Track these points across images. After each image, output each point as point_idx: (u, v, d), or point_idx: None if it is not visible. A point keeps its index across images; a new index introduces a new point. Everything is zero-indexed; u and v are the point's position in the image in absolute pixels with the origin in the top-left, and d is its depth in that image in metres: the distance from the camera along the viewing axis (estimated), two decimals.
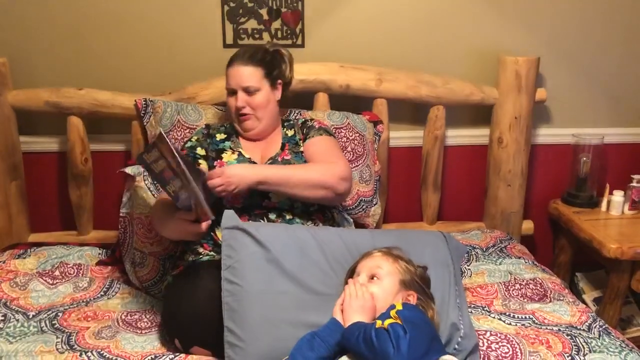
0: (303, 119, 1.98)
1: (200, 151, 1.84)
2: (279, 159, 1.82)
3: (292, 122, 1.97)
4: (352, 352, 1.24)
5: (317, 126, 1.93)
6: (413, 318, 1.25)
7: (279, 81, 1.89)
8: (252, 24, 2.25)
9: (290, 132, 1.92)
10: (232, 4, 2.22)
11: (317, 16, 2.28)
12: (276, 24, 2.26)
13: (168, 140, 1.45)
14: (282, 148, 1.86)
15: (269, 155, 1.84)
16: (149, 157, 1.52)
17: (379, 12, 2.30)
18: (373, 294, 1.36)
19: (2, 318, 1.65)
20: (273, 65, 1.87)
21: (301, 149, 1.87)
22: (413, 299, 1.37)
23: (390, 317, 1.25)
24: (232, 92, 1.85)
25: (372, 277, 1.40)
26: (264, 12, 2.24)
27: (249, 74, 1.81)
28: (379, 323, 1.24)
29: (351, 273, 1.48)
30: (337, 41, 2.30)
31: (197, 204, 1.54)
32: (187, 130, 2.02)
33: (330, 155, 1.82)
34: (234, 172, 1.62)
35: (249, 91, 1.82)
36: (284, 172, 1.69)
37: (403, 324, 1.21)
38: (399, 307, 1.29)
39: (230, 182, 1.60)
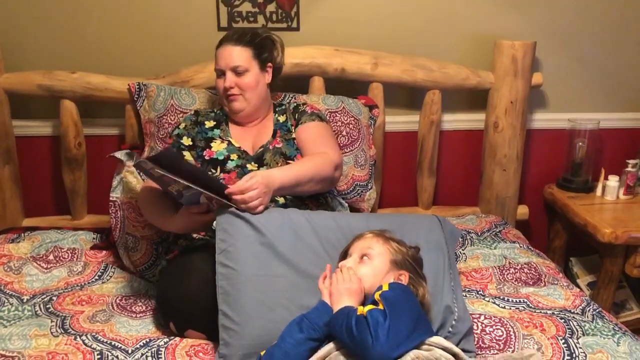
0: (295, 104, 1.96)
1: (185, 140, 1.83)
2: (270, 147, 1.81)
3: (284, 107, 1.95)
4: (339, 339, 1.24)
5: (309, 111, 1.91)
6: (396, 299, 1.24)
7: (269, 64, 1.87)
8: (246, 7, 2.23)
9: (282, 118, 1.90)
10: None
11: None
12: (271, 7, 2.24)
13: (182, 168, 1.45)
14: (274, 135, 1.85)
15: (261, 143, 1.83)
16: (147, 165, 1.46)
17: None
18: (363, 275, 1.36)
19: None
20: (263, 47, 1.85)
21: (293, 135, 1.85)
22: (405, 279, 1.37)
23: (374, 300, 1.25)
24: (221, 73, 1.83)
25: (362, 257, 1.40)
26: None
27: (238, 54, 1.80)
28: (360, 309, 1.23)
29: (344, 255, 1.48)
30: (333, 24, 2.29)
31: (210, 198, 1.51)
32: (180, 115, 2.01)
33: (321, 142, 1.81)
34: (268, 183, 1.52)
35: (237, 71, 1.80)
36: (293, 174, 1.62)
37: (384, 308, 1.20)
38: (385, 287, 1.29)
39: (266, 193, 1.52)
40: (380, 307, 1.22)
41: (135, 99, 2.08)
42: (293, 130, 1.87)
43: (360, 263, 1.40)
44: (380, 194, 2.39)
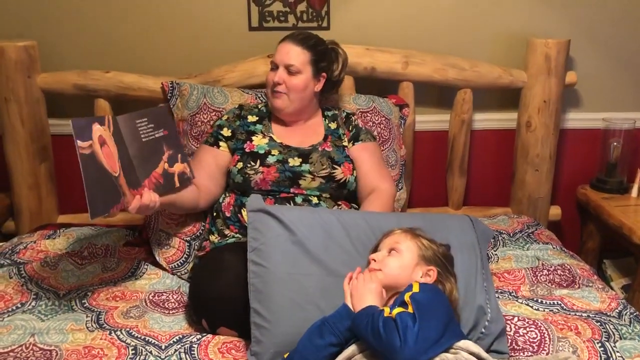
0: (345, 113, 1.99)
1: (225, 132, 1.85)
2: (320, 148, 1.83)
3: (334, 113, 1.97)
4: (362, 339, 1.23)
5: (362, 126, 1.96)
6: (427, 302, 1.23)
7: (323, 74, 1.88)
8: (277, 7, 2.24)
9: (333, 125, 1.93)
10: None
11: None
12: (301, 7, 2.25)
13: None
14: (325, 139, 1.88)
15: (310, 143, 1.85)
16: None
17: None
18: (391, 267, 1.36)
19: (34, 296, 1.68)
20: (323, 56, 1.87)
21: (344, 143, 1.89)
22: (433, 274, 1.36)
23: (404, 301, 1.24)
24: (274, 67, 1.85)
25: (391, 251, 1.40)
26: None
27: (296, 54, 1.82)
28: (387, 311, 1.22)
29: (373, 251, 1.48)
30: (363, 23, 2.28)
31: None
32: (213, 113, 2.02)
33: (380, 170, 1.91)
34: None
35: (290, 71, 1.82)
36: None
37: (414, 311, 1.19)
38: (416, 288, 1.27)
39: None
40: (410, 309, 1.20)
41: (169, 97, 2.11)
42: (345, 139, 1.90)
43: (389, 256, 1.40)
44: (410, 194, 2.37)
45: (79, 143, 1.41)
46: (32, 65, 2.11)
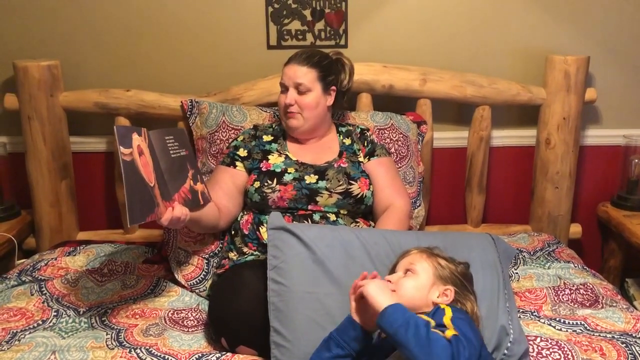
0: (360, 129, 2.00)
1: (242, 152, 1.87)
2: (335, 165, 1.84)
3: (348, 129, 1.98)
4: (393, 339, 1.17)
5: (377, 141, 1.97)
6: (466, 328, 1.22)
7: (333, 87, 1.89)
8: (295, 25, 2.26)
9: (347, 141, 1.94)
10: (276, 5, 2.23)
11: (360, 16, 2.27)
12: (319, 25, 2.27)
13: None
14: (340, 155, 1.88)
15: (325, 160, 1.86)
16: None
17: (423, 11, 2.28)
18: (407, 288, 1.33)
19: (55, 314, 1.69)
20: (329, 70, 1.87)
21: (359, 159, 1.90)
22: (450, 294, 1.34)
23: (443, 324, 1.23)
24: (284, 89, 1.86)
25: (407, 272, 1.39)
26: (307, 13, 2.25)
27: (303, 73, 1.82)
28: (432, 322, 1.21)
29: (391, 272, 1.47)
30: (381, 41, 2.29)
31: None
32: (232, 131, 2.04)
33: (395, 186, 1.90)
34: None
35: (300, 90, 1.83)
36: None
37: (461, 337, 1.18)
38: (449, 312, 1.26)
39: None
40: (454, 332, 1.19)
41: (188, 115, 2.13)
42: (360, 155, 1.91)
43: (404, 277, 1.38)
44: (429, 211, 2.36)
45: (122, 149, 1.43)
46: (55, 84, 2.15)
